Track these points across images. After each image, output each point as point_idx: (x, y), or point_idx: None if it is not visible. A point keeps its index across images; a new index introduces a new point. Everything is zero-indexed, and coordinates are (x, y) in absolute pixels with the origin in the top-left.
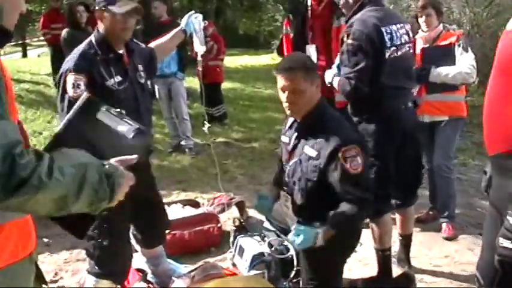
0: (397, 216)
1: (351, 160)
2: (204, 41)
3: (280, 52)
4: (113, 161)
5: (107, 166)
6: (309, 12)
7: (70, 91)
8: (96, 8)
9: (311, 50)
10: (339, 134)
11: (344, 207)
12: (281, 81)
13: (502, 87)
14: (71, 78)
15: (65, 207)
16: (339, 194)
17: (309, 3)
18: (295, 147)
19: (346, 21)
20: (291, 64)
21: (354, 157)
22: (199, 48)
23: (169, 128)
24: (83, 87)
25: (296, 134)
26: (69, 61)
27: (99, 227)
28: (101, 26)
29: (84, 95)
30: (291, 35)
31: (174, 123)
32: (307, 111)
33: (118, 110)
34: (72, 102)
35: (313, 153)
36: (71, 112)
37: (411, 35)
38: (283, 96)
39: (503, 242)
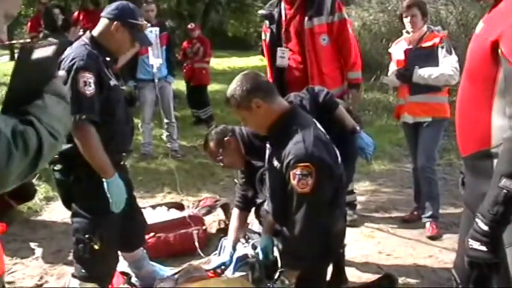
0: None
1: (300, 178)
2: (159, 54)
3: (264, 54)
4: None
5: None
6: (283, 15)
7: (83, 89)
8: (112, 18)
9: (281, 52)
10: (299, 148)
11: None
12: None
13: (471, 91)
14: (81, 77)
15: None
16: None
17: (283, 7)
18: (269, 156)
19: None
20: (227, 96)
21: (304, 176)
22: (154, 60)
23: (145, 134)
24: (93, 85)
25: (268, 144)
26: (75, 60)
27: (90, 231)
28: (105, 33)
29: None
30: (267, 40)
31: (150, 129)
32: (268, 124)
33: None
34: (88, 100)
35: (278, 165)
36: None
37: None
38: None
39: (473, 244)
